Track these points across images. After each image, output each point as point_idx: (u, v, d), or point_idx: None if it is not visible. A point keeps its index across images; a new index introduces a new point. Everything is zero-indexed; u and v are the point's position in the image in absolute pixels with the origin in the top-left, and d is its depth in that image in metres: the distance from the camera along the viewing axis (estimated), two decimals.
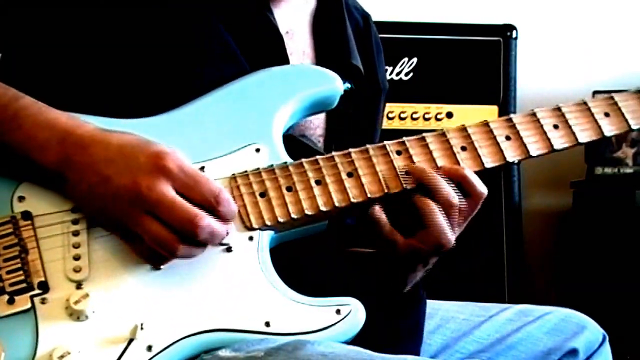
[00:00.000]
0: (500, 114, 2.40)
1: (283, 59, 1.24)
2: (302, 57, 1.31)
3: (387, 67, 2.39)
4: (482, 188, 1.16)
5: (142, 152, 1.03)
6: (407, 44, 2.46)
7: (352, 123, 1.34)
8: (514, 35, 2.49)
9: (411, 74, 2.46)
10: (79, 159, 1.04)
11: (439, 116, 2.45)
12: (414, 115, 2.45)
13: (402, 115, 2.44)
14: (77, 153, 1.04)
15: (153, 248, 1.03)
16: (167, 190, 1.02)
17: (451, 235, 1.13)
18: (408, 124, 2.43)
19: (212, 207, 1.04)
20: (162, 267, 1.06)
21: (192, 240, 1.03)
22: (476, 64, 2.48)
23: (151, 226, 1.02)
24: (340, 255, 1.31)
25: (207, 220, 1.02)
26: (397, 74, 2.44)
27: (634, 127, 1.24)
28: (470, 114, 2.43)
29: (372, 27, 1.44)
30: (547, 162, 2.66)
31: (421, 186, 1.15)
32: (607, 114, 1.23)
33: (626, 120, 1.23)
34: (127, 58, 1.15)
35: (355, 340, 1.09)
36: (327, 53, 1.32)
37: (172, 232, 1.02)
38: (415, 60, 2.46)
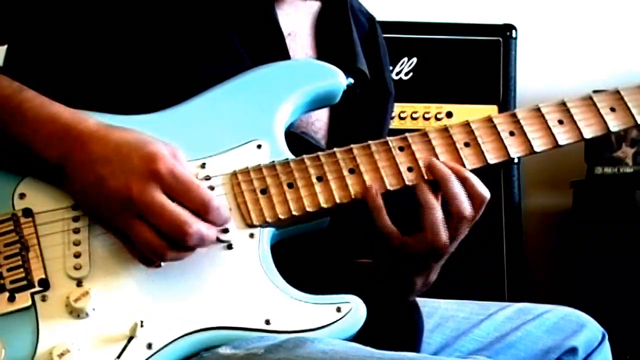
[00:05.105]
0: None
1: (285, 60, 1.23)
2: None
3: None
4: (485, 191, 1.13)
5: (136, 153, 1.03)
6: (407, 43, 2.46)
7: (355, 127, 1.33)
8: (513, 35, 2.49)
9: (411, 74, 2.45)
10: (78, 155, 1.04)
11: (438, 116, 2.45)
12: (414, 115, 2.45)
13: (402, 115, 2.44)
14: (77, 149, 1.04)
15: (143, 251, 1.03)
16: (158, 195, 1.01)
17: (446, 239, 1.11)
18: (408, 124, 2.43)
19: (201, 214, 1.03)
20: (155, 266, 1.06)
21: (181, 245, 1.02)
22: (476, 63, 2.47)
23: (141, 231, 1.01)
24: (345, 268, 1.31)
25: (195, 227, 1.01)
26: (397, 74, 2.44)
27: None
28: (470, 114, 2.42)
29: (377, 30, 1.43)
30: (547, 162, 2.68)
31: (432, 182, 1.13)
32: (613, 109, 1.21)
33: (632, 115, 1.21)
34: (129, 55, 1.15)
35: (358, 339, 1.09)
36: (330, 56, 1.30)
37: (161, 238, 1.01)
38: (415, 60, 2.46)
